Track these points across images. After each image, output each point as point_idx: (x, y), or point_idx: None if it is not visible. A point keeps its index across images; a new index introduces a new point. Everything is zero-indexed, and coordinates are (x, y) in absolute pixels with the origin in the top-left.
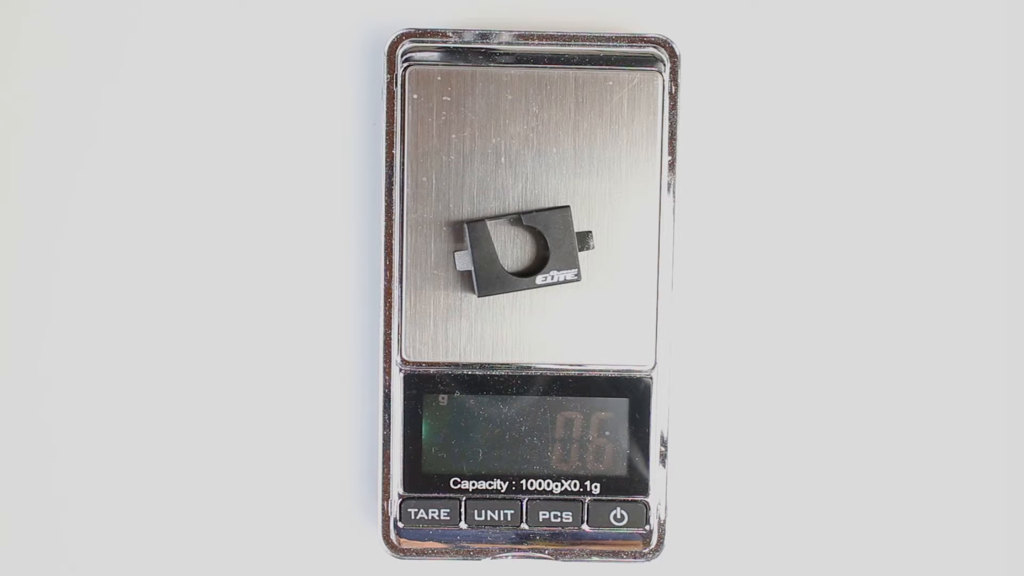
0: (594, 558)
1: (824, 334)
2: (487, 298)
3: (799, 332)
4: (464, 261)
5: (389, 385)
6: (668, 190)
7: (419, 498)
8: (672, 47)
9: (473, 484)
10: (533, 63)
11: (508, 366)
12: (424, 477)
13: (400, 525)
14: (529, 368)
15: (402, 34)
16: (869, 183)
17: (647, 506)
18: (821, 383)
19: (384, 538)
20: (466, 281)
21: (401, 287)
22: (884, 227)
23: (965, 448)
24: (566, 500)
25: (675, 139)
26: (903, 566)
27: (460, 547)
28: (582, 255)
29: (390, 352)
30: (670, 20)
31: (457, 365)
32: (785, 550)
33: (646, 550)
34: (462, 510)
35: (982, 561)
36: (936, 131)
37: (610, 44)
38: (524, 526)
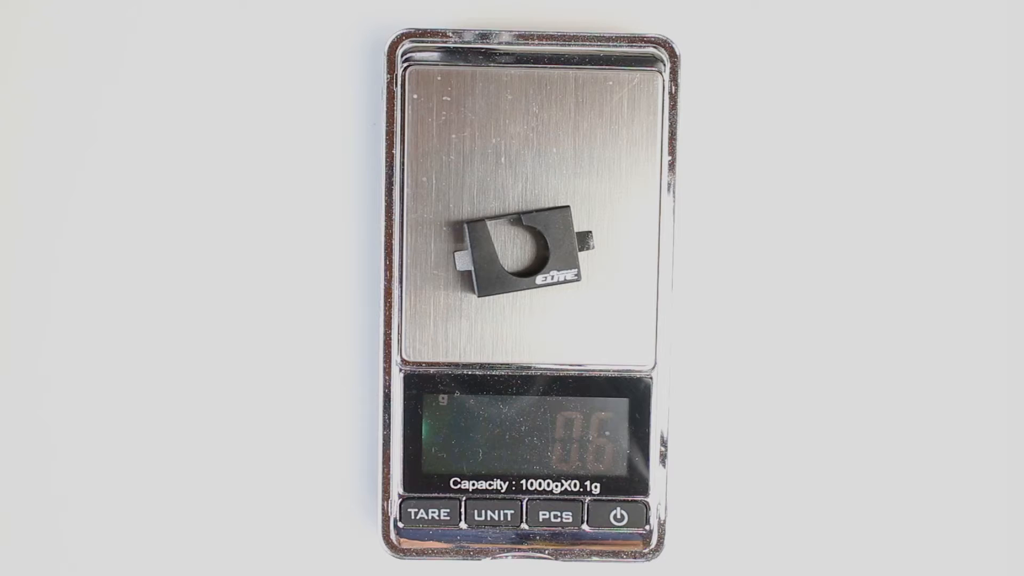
0: (594, 558)
1: (824, 334)
2: (487, 298)
3: (799, 332)
4: (464, 261)
5: (389, 385)
6: (668, 190)
7: (419, 498)
8: (672, 47)
9: (473, 484)
10: (533, 63)
11: (508, 366)
12: (424, 477)
13: (400, 525)
14: (529, 368)
15: (402, 34)
16: (869, 183)
17: (647, 506)
18: (821, 383)
19: (384, 538)
20: (466, 281)
21: (401, 287)
22: (884, 227)
23: (965, 448)
24: (566, 500)
25: (675, 139)
26: (903, 566)
27: (460, 547)
28: (582, 255)
29: (390, 352)
30: (670, 20)
31: (457, 365)
32: (785, 550)
33: (646, 550)
34: (462, 510)
35: (982, 561)
36: (936, 131)
37: (610, 44)
38: (524, 526)
